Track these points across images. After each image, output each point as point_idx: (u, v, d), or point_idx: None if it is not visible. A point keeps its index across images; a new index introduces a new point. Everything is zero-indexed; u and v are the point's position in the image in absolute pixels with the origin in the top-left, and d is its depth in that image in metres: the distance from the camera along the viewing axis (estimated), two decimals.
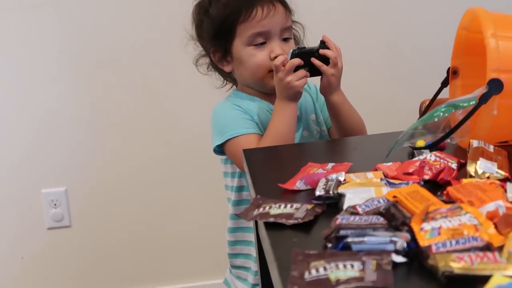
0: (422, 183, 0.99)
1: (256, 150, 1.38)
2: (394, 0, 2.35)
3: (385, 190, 0.94)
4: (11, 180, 2.32)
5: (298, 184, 1.05)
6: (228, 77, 1.63)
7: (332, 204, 0.95)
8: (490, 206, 0.82)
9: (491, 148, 1.10)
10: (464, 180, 0.97)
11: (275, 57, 1.46)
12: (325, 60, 1.44)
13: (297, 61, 1.42)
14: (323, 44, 1.45)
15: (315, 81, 1.51)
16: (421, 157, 1.06)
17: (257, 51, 1.50)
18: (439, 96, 1.39)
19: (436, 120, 1.17)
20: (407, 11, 2.36)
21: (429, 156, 1.05)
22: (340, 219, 0.83)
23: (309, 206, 0.93)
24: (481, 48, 1.17)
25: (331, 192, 0.96)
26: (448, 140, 1.18)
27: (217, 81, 1.65)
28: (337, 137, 1.54)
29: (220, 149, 1.52)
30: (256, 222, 1.12)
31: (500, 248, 0.73)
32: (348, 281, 0.69)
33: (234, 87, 1.64)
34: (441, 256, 0.70)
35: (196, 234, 2.40)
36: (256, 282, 1.55)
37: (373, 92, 2.35)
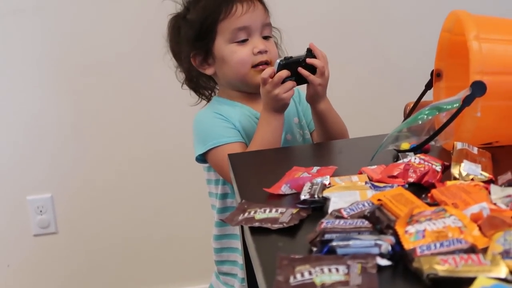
0: (406, 186, 0.99)
1: (241, 154, 1.38)
2: (378, 3, 2.37)
3: (370, 193, 0.94)
4: None
5: (284, 188, 1.04)
6: (205, 89, 1.62)
7: (317, 208, 0.95)
8: (474, 208, 0.83)
9: (475, 150, 1.10)
10: (449, 183, 0.97)
11: (259, 52, 1.48)
12: (312, 68, 1.43)
13: (284, 73, 1.40)
14: (310, 53, 1.43)
15: (301, 87, 1.50)
16: (405, 160, 1.07)
17: (240, 48, 1.50)
18: (423, 99, 1.39)
19: (420, 122, 1.17)
20: (391, 14, 2.37)
21: (414, 159, 1.06)
22: (325, 223, 0.83)
23: (294, 210, 0.93)
24: (465, 50, 1.17)
25: (316, 196, 0.96)
26: (432, 143, 1.18)
27: (193, 99, 1.65)
28: (320, 141, 1.54)
29: (202, 158, 1.52)
30: (242, 228, 1.12)
31: (484, 250, 0.73)
32: (333, 285, 0.69)
33: (214, 94, 1.63)
34: (426, 259, 0.71)
35: (183, 240, 2.39)
36: None
37: (357, 95, 2.36)
